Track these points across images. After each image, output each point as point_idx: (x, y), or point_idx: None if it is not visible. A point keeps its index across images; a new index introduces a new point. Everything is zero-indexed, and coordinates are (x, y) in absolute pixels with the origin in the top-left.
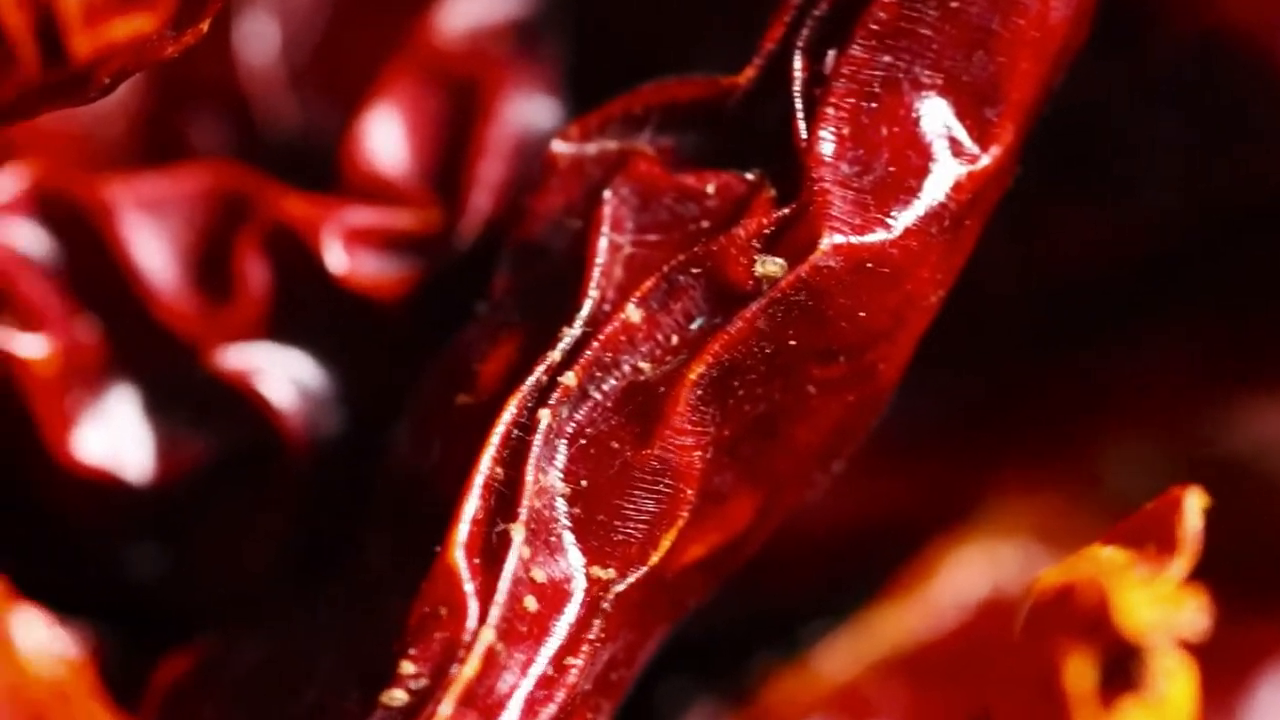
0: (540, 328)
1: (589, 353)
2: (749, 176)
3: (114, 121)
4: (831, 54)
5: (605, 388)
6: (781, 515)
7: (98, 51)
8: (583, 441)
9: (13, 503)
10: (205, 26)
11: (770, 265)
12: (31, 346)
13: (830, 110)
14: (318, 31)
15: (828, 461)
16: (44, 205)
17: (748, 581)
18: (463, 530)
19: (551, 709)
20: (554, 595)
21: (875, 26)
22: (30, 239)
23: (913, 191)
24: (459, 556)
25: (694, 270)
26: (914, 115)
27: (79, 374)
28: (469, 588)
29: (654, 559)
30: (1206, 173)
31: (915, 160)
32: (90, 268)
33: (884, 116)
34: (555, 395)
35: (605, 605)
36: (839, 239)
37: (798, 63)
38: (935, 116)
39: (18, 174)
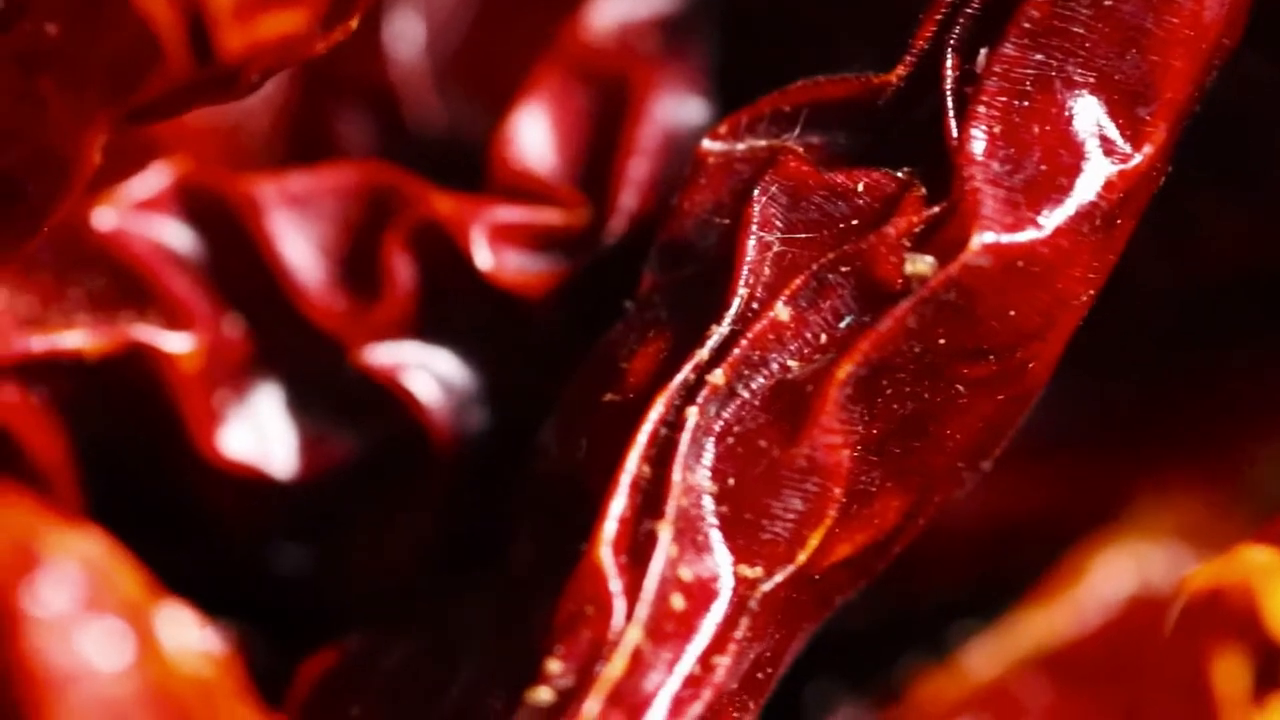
0: (688, 326)
1: (737, 351)
2: (899, 175)
3: (260, 118)
4: (983, 52)
5: (753, 386)
6: (930, 515)
7: (247, 48)
8: (730, 440)
9: (158, 499)
10: (354, 23)
11: (920, 264)
12: (178, 343)
13: (982, 109)
14: (464, 29)
15: (976, 461)
16: (191, 202)
17: (895, 581)
18: (609, 528)
19: (698, 708)
20: (701, 594)
21: (1028, 25)
22: (177, 236)
23: (1064, 190)
24: (606, 555)
25: (843, 269)
26: (1066, 114)
27: (225, 371)
28: (615, 586)
29: (801, 558)
30: None
31: (1067, 159)
32: (237, 264)
33: (1036, 115)
34: (703, 393)
35: (752, 604)
36: (990, 238)
37: (949, 61)
38: (1087, 115)
39: (165, 170)
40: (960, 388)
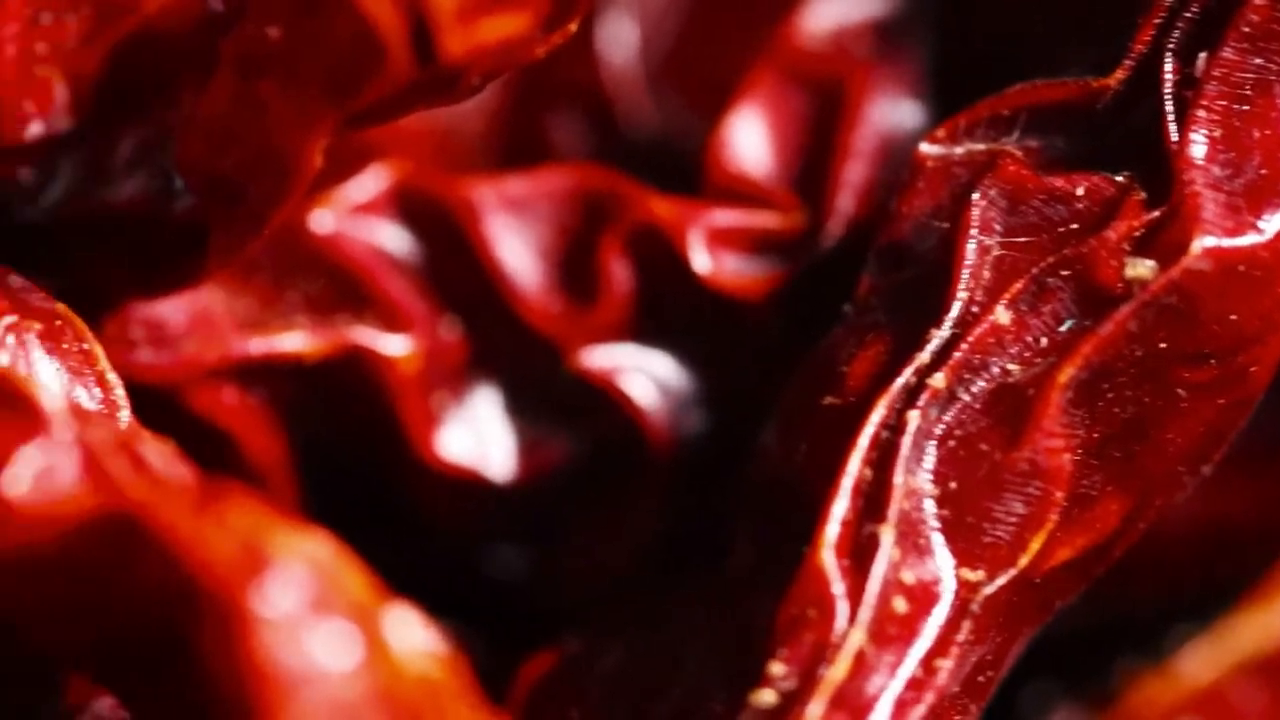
0: (908, 329)
1: (958, 354)
2: (1119, 179)
3: (474, 122)
4: (1202, 56)
5: (974, 389)
6: (1149, 519)
7: (469, 52)
8: (951, 443)
9: (375, 501)
10: (574, 26)
11: (1141, 268)
12: (396, 346)
13: (1201, 113)
14: (678, 32)
15: (1196, 464)
16: (408, 205)
17: (1112, 585)
18: (832, 531)
19: (920, 710)
20: (923, 597)
21: (1247, 29)
22: (394, 239)
23: None
24: (828, 558)
25: (1064, 272)
26: None
27: (442, 374)
28: (838, 589)
29: (1023, 561)
30: None
31: None
32: (454, 268)
33: (1255, 119)
34: (924, 397)
35: (974, 607)
36: (1210, 242)
37: (1168, 65)
38: None
39: (382, 174)
40: (1181, 392)
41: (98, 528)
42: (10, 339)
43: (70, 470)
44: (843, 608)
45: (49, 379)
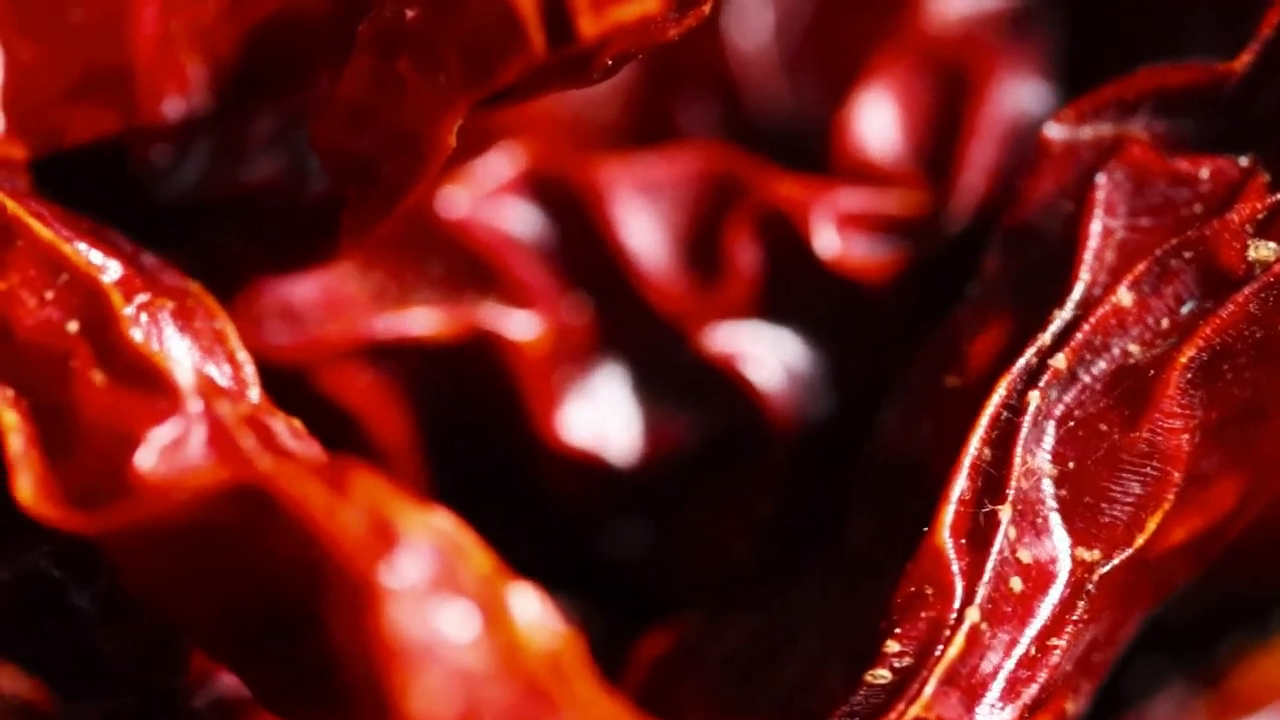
0: (1031, 310)
1: (1079, 335)
2: (1243, 162)
3: (604, 103)
4: None
5: (1095, 370)
6: (1265, 500)
7: (604, 33)
8: (1071, 424)
9: (500, 480)
10: (708, 8)
11: (1264, 250)
12: (522, 326)
13: None
14: (807, 15)
15: None
16: (538, 186)
17: (1222, 565)
18: (950, 511)
19: (1033, 689)
20: (1039, 576)
21: None
22: (523, 220)
23: None
24: (946, 537)
25: (1186, 254)
26: None
27: (567, 353)
28: (956, 568)
29: (1139, 541)
30: None
31: None
32: (581, 248)
33: None
34: (1045, 377)
35: (1089, 587)
36: None
37: None
38: None
39: (512, 155)
40: None
41: (226, 501)
42: (144, 317)
43: (200, 444)
44: (960, 586)
45: (181, 356)
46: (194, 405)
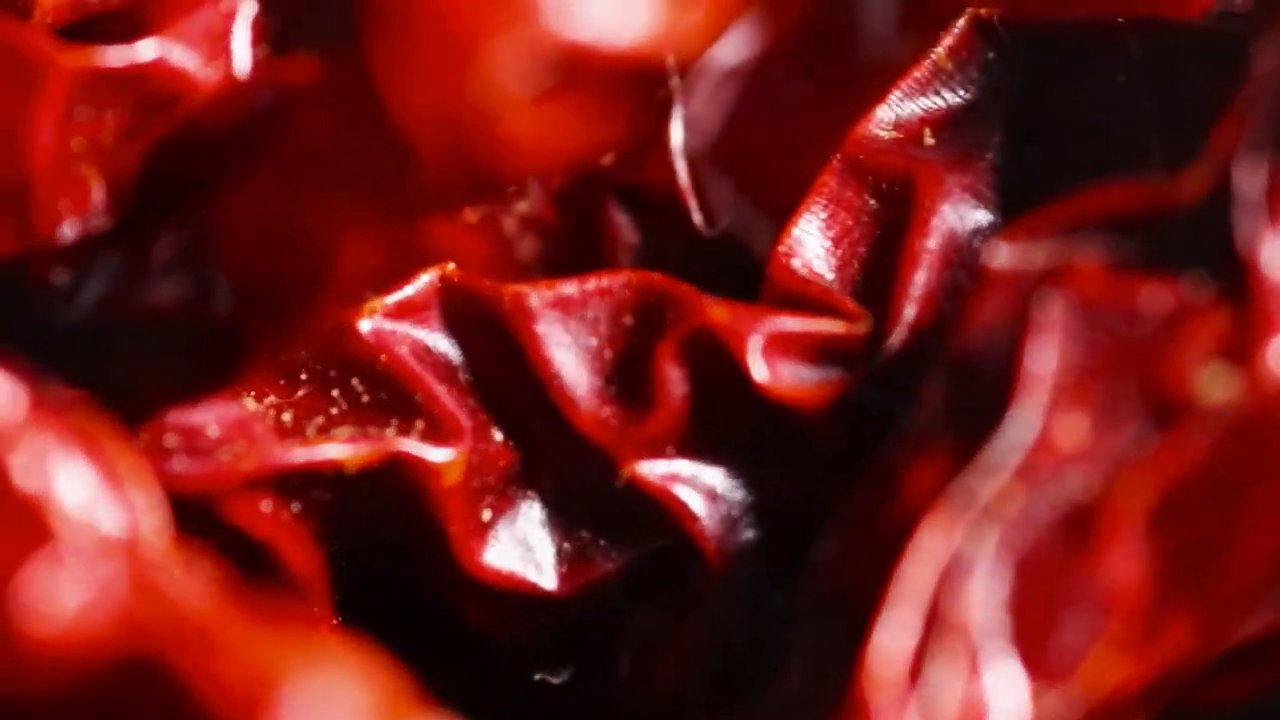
0: (971, 442)
1: (1024, 467)
2: (1193, 284)
3: (529, 228)
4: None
5: (1041, 503)
6: (1225, 643)
7: (522, 164)
8: (1016, 558)
9: (422, 610)
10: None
11: (1219, 379)
12: (441, 453)
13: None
14: (740, 135)
15: (1272, 586)
16: (458, 308)
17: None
18: (886, 645)
19: None
20: (980, 713)
21: None
22: (443, 343)
23: None
24: (882, 672)
25: (1136, 382)
26: None
27: (489, 482)
28: (891, 705)
29: (1089, 680)
30: None
31: None
32: (504, 373)
33: None
34: (988, 510)
35: None
36: None
37: (1245, 169)
38: None
39: (431, 276)
40: (1256, 509)
41: (108, 663)
42: (36, 444)
43: (80, 598)
44: None
45: (72, 489)
46: (75, 552)
